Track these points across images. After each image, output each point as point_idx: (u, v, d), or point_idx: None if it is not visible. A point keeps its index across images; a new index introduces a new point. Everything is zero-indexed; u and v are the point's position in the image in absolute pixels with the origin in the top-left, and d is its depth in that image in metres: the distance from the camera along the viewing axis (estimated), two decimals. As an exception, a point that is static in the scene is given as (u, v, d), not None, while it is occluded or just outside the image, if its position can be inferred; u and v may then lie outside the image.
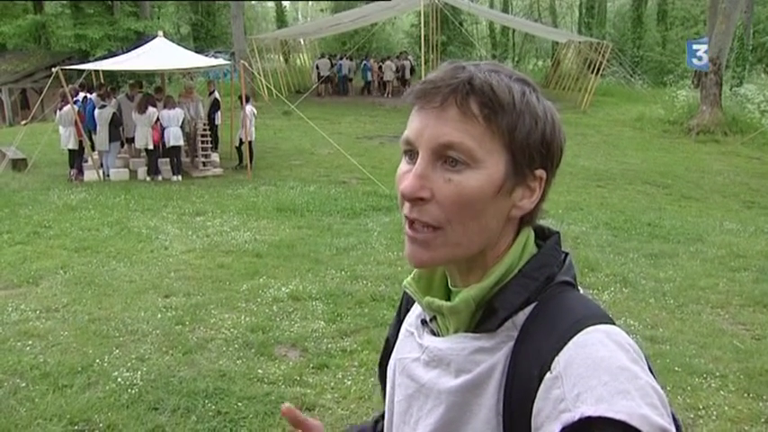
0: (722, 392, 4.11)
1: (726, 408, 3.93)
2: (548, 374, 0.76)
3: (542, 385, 0.76)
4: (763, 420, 3.82)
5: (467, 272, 0.88)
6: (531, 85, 0.86)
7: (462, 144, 0.80)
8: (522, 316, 0.83)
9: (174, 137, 11.20)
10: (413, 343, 0.96)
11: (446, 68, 0.84)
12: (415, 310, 1.01)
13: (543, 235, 0.91)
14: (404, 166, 0.86)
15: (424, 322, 0.96)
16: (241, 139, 11.87)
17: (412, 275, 0.96)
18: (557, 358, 0.76)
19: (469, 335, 0.86)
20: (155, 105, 11.32)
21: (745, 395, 4.09)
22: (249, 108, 11.87)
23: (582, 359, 0.74)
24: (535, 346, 0.79)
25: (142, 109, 11.13)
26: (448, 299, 0.92)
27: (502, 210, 0.84)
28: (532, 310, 0.83)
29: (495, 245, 0.86)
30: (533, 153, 0.83)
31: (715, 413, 3.87)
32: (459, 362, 0.84)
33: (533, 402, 0.76)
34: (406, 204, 0.84)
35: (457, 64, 0.85)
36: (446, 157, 0.81)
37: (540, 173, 0.85)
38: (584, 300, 0.84)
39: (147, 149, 11.37)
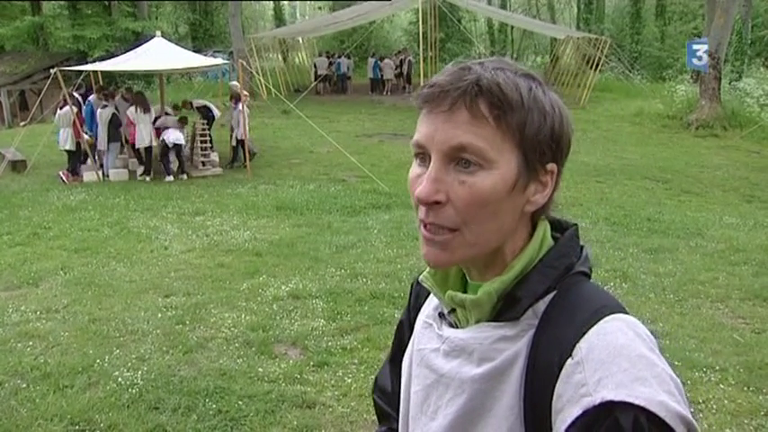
0: (722, 386, 4.11)
1: (726, 401, 3.93)
2: (569, 360, 0.78)
3: (564, 370, 0.78)
4: (762, 413, 3.83)
5: (485, 267, 0.90)
6: (537, 79, 0.86)
7: (474, 145, 0.81)
8: (541, 304, 0.85)
9: (176, 136, 11.22)
10: (431, 334, 0.97)
11: (452, 71, 0.84)
12: (432, 301, 1.02)
13: (560, 227, 0.94)
14: (416, 168, 0.87)
15: (441, 315, 0.97)
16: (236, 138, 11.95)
17: (428, 270, 0.97)
18: (578, 345, 0.78)
19: (491, 324, 0.88)
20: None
21: (745, 388, 4.09)
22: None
23: (603, 346, 0.77)
24: (556, 333, 0.81)
25: (144, 108, 11.13)
26: (464, 290, 0.93)
27: (516, 206, 0.86)
28: (552, 298, 0.85)
29: (512, 240, 0.88)
30: (544, 148, 0.84)
31: (715, 407, 3.87)
32: (483, 350, 0.86)
33: (554, 387, 0.78)
34: (422, 208, 0.84)
35: (462, 65, 0.85)
36: (458, 159, 0.82)
37: (552, 167, 0.87)
38: (600, 290, 0.87)
39: (146, 149, 11.37)
